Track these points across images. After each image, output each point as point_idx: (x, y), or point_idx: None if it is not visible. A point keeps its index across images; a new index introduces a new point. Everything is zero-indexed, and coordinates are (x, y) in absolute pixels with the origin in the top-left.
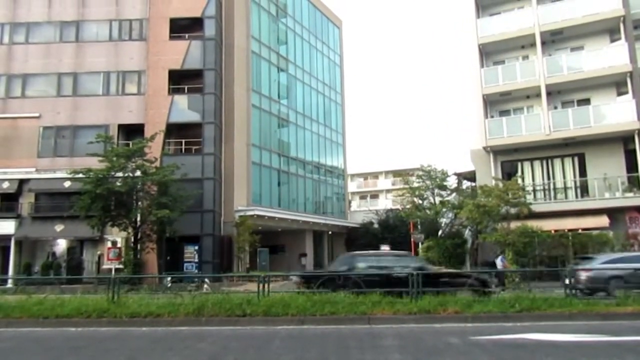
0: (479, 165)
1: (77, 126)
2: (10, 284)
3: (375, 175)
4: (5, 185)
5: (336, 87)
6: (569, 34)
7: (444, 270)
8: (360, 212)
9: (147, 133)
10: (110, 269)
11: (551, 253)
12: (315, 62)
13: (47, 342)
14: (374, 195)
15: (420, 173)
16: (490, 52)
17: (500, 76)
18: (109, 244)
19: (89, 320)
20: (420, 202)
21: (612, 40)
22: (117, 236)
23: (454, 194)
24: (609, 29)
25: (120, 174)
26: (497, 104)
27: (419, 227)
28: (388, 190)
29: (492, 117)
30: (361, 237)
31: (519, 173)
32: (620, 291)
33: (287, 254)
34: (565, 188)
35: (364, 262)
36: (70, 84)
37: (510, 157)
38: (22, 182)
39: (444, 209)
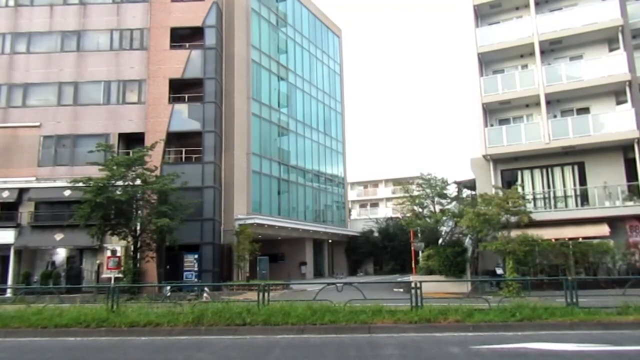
0: (479, 173)
1: (77, 135)
2: (9, 293)
3: (375, 184)
4: (5, 194)
5: (336, 96)
6: (568, 43)
7: None
8: (360, 221)
9: (148, 142)
10: (109, 278)
11: (552, 262)
12: (315, 71)
13: (45, 352)
14: (374, 204)
15: (420, 181)
16: (489, 61)
17: (499, 85)
18: (109, 253)
19: (87, 330)
20: (421, 210)
21: (611, 50)
22: (116, 245)
23: (454, 203)
24: (607, 39)
25: (120, 183)
26: (496, 112)
27: (419, 235)
28: (388, 199)
29: (491, 125)
30: (361, 246)
31: (519, 181)
32: (621, 300)
33: (287, 262)
34: (566, 197)
35: None
36: (71, 93)
37: (510, 166)
38: (22, 191)
39: (444, 218)
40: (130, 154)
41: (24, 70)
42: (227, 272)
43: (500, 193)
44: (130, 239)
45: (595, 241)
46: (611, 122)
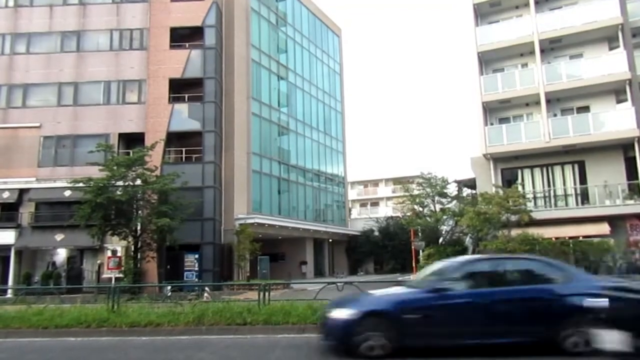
0: (479, 172)
1: (77, 135)
2: (10, 294)
3: (376, 183)
4: (6, 195)
5: (336, 95)
6: (568, 42)
7: None
8: (360, 220)
9: (148, 142)
10: (110, 278)
11: None
12: (315, 70)
13: (46, 353)
14: (375, 203)
15: (421, 180)
16: (489, 60)
17: (499, 84)
18: (109, 253)
19: (88, 330)
20: (421, 209)
21: (611, 48)
22: (117, 245)
23: (454, 202)
24: (607, 37)
25: (120, 183)
26: (496, 111)
27: (419, 234)
28: (388, 198)
29: (491, 124)
30: (362, 245)
31: (519, 180)
32: None
33: (288, 261)
34: (566, 195)
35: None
36: (71, 93)
37: (510, 165)
38: (22, 191)
39: (445, 217)
40: (131, 154)
41: (23, 70)
42: (227, 271)
43: (501, 192)
44: (130, 239)
45: (595, 240)
46: (611, 121)
